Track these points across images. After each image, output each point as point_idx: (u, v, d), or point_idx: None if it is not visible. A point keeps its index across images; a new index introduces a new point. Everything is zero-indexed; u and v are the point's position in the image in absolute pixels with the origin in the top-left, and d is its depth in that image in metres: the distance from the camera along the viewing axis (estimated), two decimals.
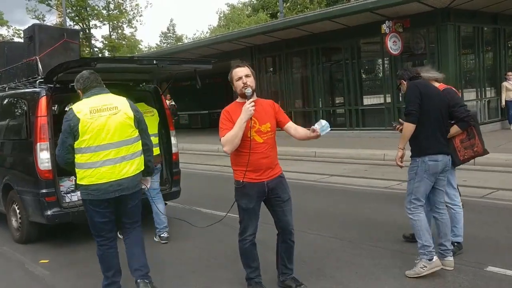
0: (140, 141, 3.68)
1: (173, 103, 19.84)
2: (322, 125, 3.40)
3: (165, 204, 5.56)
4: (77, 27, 34.64)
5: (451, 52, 12.91)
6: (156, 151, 5.07)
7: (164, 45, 47.33)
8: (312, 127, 3.43)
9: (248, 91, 3.42)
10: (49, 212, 4.83)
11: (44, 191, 4.83)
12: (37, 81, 5.23)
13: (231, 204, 3.62)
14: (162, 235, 5.09)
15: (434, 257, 3.78)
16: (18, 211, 5.24)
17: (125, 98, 3.70)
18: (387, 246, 4.54)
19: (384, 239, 4.75)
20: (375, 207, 6.16)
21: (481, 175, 7.60)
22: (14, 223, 5.36)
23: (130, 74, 5.72)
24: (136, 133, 3.63)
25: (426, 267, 3.75)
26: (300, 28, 15.33)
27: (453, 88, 4.38)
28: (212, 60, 5.53)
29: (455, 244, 4.19)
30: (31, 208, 5.02)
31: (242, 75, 3.48)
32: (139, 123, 3.67)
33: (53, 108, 7.02)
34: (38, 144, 4.79)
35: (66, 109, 6.02)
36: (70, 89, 5.37)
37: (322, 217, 5.85)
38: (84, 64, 4.53)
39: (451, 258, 3.89)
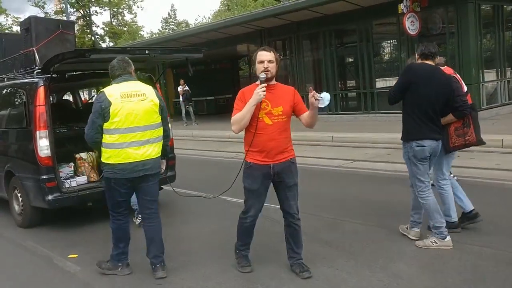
0: (162, 128, 4.33)
1: (187, 88, 20.63)
2: (324, 101, 3.74)
3: (161, 188, 6.31)
4: (77, 14, 35.88)
5: (472, 32, 13.27)
6: None
7: (166, 31, 48.56)
8: (317, 97, 3.74)
9: (262, 76, 3.77)
10: (50, 197, 5.52)
11: (44, 177, 5.51)
12: (35, 72, 5.89)
13: (234, 187, 4.16)
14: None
15: (447, 237, 4.36)
16: (20, 197, 5.96)
17: (151, 87, 4.37)
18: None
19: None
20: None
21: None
22: (17, 208, 6.08)
23: None
24: (159, 119, 4.28)
25: (436, 243, 4.36)
26: (313, 9, 15.77)
27: (456, 75, 4.78)
28: (202, 49, 6.12)
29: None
30: (32, 193, 5.72)
31: (265, 59, 3.82)
32: (163, 110, 4.32)
33: (53, 97, 7.83)
34: (37, 132, 5.45)
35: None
36: (67, 79, 6.19)
37: (358, 204, 6.08)
38: (79, 55, 5.19)
39: (417, 230, 4.60)
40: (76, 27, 36.20)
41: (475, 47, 13.50)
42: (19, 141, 6.04)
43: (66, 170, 6.06)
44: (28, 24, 6.63)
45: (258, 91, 3.72)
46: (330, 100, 3.81)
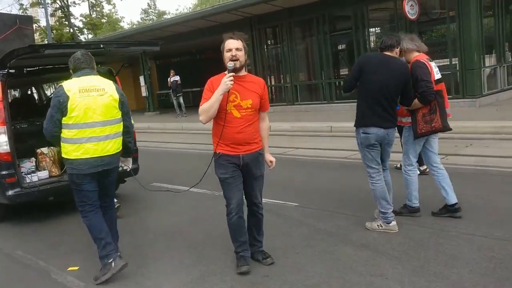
0: (122, 123, 4.77)
1: (177, 78, 21.52)
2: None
3: (125, 181, 7.11)
4: (55, 5, 37.08)
5: (473, 16, 13.92)
6: None
7: (147, 21, 50.42)
8: (271, 163, 4.47)
9: (230, 64, 4.06)
10: (10, 193, 6.21)
11: (4, 172, 6.19)
12: None
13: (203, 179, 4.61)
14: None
15: (393, 222, 5.08)
16: None
17: (111, 82, 4.81)
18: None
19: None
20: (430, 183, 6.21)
21: None
22: None
23: None
24: (119, 115, 4.70)
25: (382, 226, 5.12)
26: None
27: (428, 63, 5.26)
28: (160, 42, 6.81)
29: (407, 206, 5.50)
30: None
31: (233, 47, 4.11)
32: (123, 105, 4.75)
33: (14, 92, 8.63)
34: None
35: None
36: (26, 74, 6.93)
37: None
38: (34, 51, 5.81)
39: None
40: (53, 20, 37.50)
41: (476, 31, 14.14)
42: None
43: (27, 165, 6.77)
44: None
45: (226, 80, 4.00)
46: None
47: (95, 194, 4.70)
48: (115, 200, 6.46)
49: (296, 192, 7.08)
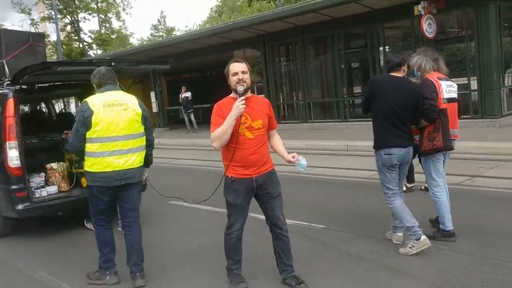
0: (145, 137, 5.05)
1: (188, 94, 22.01)
2: (302, 165, 4.50)
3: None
4: (65, 20, 38.42)
5: (493, 34, 14.07)
6: None
7: (157, 38, 52.03)
8: (296, 156, 4.46)
9: (240, 88, 4.19)
10: (19, 207, 6.47)
11: (14, 187, 6.47)
12: (5, 83, 6.91)
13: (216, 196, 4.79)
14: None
15: (422, 236, 5.08)
16: None
17: (134, 97, 5.08)
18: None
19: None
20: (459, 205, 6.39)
21: None
22: None
23: None
24: (142, 129, 4.98)
25: (414, 246, 5.11)
26: (321, 12, 16.86)
27: (432, 79, 5.42)
28: (170, 61, 7.13)
29: (440, 230, 5.55)
30: (3, 203, 6.67)
31: (239, 70, 4.25)
32: (146, 120, 5.03)
33: (24, 107, 9.03)
34: (7, 143, 6.40)
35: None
36: (37, 90, 7.25)
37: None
38: (46, 67, 6.13)
39: (400, 234, 5.46)
40: (63, 35, 38.79)
41: (495, 50, 14.29)
42: None
43: (37, 180, 7.02)
44: None
45: (238, 105, 4.12)
46: (304, 168, 4.52)
47: (108, 210, 5.02)
48: None
49: (321, 213, 7.09)
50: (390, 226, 5.58)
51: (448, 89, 5.53)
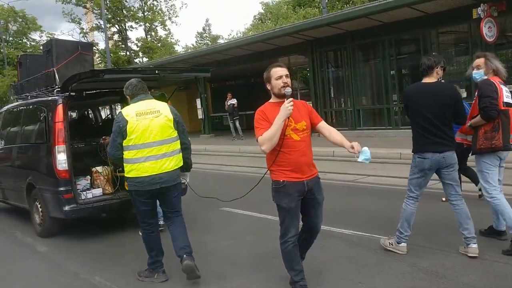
0: (179, 141, 5.54)
1: (233, 101, 22.74)
2: (366, 155, 4.58)
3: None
4: (113, 29, 41.06)
5: None
6: None
7: (201, 45, 55.08)
8: (357, 146, 4.54)
9: (288, 90, 4.43)
10: (66, 208, 7.08)
11: (62, 189, 7.10)
12: (55, 90, 7.61)
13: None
14: (160, 222, 7.23)
15: (403, 243, 5.62)
16: (40, 208, 7.61)
17: (166, 104, 5.63)
18: None
19: None
20: None
21: None
22: (37, 219, 7.75)
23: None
24: (175, 134, 5.47)
25: (392, 245, 5.69)
26: (372, 17, 17.14)
27: (494, 80, 5.62)
28: (210, 69, 7.68)
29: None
30: (51, 204, 7.32)
31: (283, 74, 4.51)
32: (178, 124, 5.52)
33: (72, 113, 9.84)
34: (56, 147, 7.05)
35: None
36: (85, 97, 7.92)
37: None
38: (93, 75, 6.79)
39: (474, 245, 5.37)
40: (111, 43, 41.47)
41: None
42: (40, 155, 7.68)
43: (83, 182, 7.69)
44: (50, 46, 8.57)
45: (287, 106, 4.32)
46: (368, 159, 4.60)
47: (151, 213, 5.51)
48: (162, 215, 7.34)
49: (380, 224, 6.97)
50: (461, 239, 5.56)
51: (507, 94, 5.71)
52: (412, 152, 5.63)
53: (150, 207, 5.48)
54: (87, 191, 7.59)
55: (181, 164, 5.59)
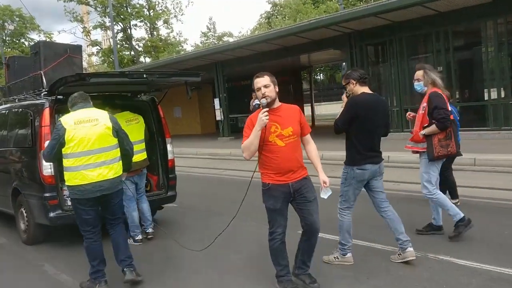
0: (119, 148, 6.77)
1: (257, 102, 24.40)
2: (327, 194, 5.91)
3: (162, 207, 9.91)
4: (117, 27, 46.84)
5: None
6: (143, 156, 8.98)
7: (207, 44, 60.96)
8: (328, 183, 5.91)
9: (263, 101, 5.64)
10: (52, 214, 8.49)
11: (47, 194, 8.48)
12: (42, 94, 9.18)
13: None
14: (147, 231, 8.92)
15: (348, 254, 6.97)
16: (25, 214, 9.17)
17: (106, 112, 6.88)
18: None
19: None
20: None
21: None
22: (22, 225, 9.33)
23: (131, 86, 9.72)
24: (115, 141, 6.69)
25: (338, 259, 7.04)
26: (427, 5, 18.45)
27: (440, 92, 7.49)
28: (200, 73, 9.29)
29: (459, 223, 7.59)
30: (36, 210, 8.80)
31: (261, 85, 5.74)
32: (118, 132, 6.75)
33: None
34: (42, 151, 7.89)
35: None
36: None
37: None
38: (80, 79, 8.09)
39: (411, 249, 6.85)
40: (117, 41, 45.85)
41: None
42: (25, 160, 9.23)
43: None
44: (37, 48, 10.32)
45: (261, 116, 5.54)
46: (326, 197, 5.94)
47: (94, 221, 6.70)
48: (150, 223, 9.10)
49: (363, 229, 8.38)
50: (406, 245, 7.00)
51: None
52: (348, 164, 6.94)
53: (92, 216, 6.65)
54: None
55: (121, 172, 6.90)
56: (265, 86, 5.78)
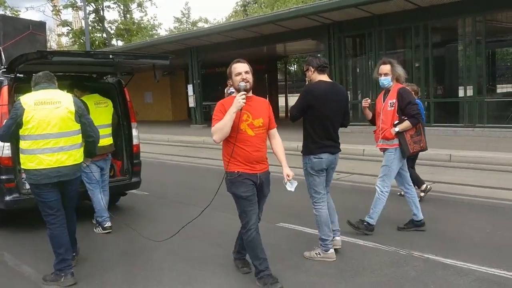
0: (80, 134, 6.58)
1: (233, 90, 24.54)
2: (293, 186, 6.02)
3: (125, 194, 9.83)
4: (89, 8, 46.38)
5: None
6: (109, 140, 8.85)
7: (181, 29, 62.08)
8: (292, 176, 6.00)
9: (242, 84, 5.74)
10: (7, 198, 8.30)
11: (3, 177, 8.28)
12: (0, 71, 8.93)
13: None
14: (105, 225, 8.72)
15: (331, 250, 6.98)
16: None
17: (70, 94, 6.67)
18: None
19: None
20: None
21: None
22: None
23: (97, 67, 9.58)
24: (77, 127, 6.51)
25: (320, 255, 7.00)
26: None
27: (408, 87, 7.73)
28: (170, 56, 9.09)
29: (365, 223, 7.91)
30: None
31: (242, 70, 5.85)
32: (81, 117, 6.55)
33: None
34: None
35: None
36: None
37: None
38: (41, 56, 7.90)
39: (338, 238, 7.26)
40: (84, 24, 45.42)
41: None
42: None
43: None
44: None
45: (238, 99, 5.65)
46: (291, 189, 6.05)
47: (57, 203, 6.52)
48: (108, 216, 8.86)
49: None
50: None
51: None
52: (305, 154, 7.05)
53: (54, 198, 6.47)
54: None
55: (81, 160, 6.74)
56: (246, 72, 5.90)
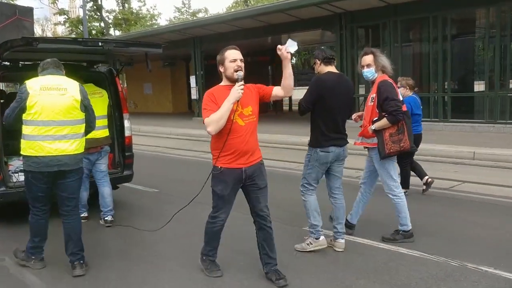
0: (84, 124, 6.62)
1: None
2: (293, 44, 5.88)
3: (117, 187, 9.71)
4: None
5: None
6: (104, 133, 8.89)
7: (181, 19, 63.21)
8: (283, 47, 5.84)
9: (240, 73, 5.74)
10: None
11: None
12: None
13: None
14: (106, 218, 8.81)
15: (321, 237, 7.11)
16: None
17: (77, 82, 6.65)
18: None
19: None
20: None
21: None
22: None
23: (88, 55, 9.66)
24: (81, 116, 6.56)
25: (312, 244, 7.12)
26: None
27: (390, 81, 7.38)
28: (162, 44, 9.12)
29: (401, 232, 7.57)
30: None
31: (237, 58, 5.85)
32: (86, 107, 6.61)
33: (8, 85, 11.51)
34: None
35: None
36: (21, 68, 9.21)
37: None
38: (27, 43, 7.89)
39: (342, 241, 7.22)
40: (82, 13, 45.94)
41: None
42: None
43: (16, 163, 8.93)
44: None
45: (237, 89, 5.67)
46: (297, 45, 5.92)
47: (46, 199, 6.67)
48: (111, 209, 9.00)
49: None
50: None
51: (399, 91, 7.62)
52: (312, 146, 7.17)
53: (44, 193, 6.60)
54: (20, 173, 8.43)
55: (83, 150, 6.79)
56: (241, 60, 5.93)
